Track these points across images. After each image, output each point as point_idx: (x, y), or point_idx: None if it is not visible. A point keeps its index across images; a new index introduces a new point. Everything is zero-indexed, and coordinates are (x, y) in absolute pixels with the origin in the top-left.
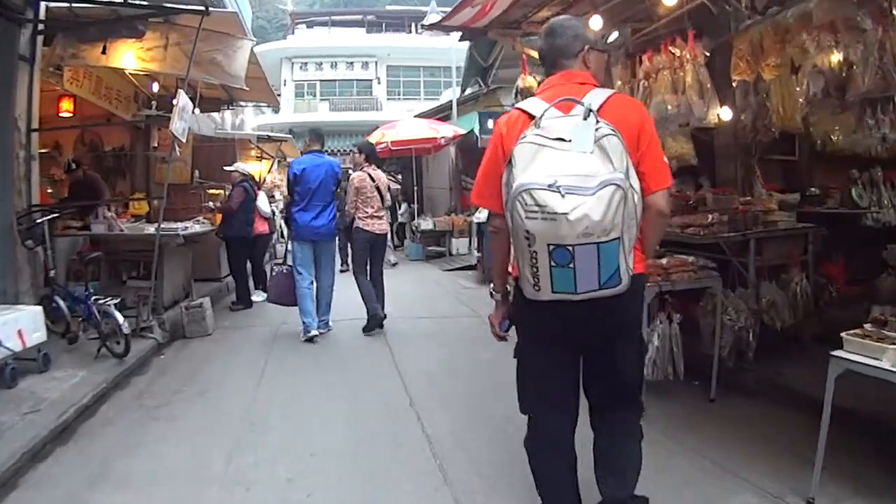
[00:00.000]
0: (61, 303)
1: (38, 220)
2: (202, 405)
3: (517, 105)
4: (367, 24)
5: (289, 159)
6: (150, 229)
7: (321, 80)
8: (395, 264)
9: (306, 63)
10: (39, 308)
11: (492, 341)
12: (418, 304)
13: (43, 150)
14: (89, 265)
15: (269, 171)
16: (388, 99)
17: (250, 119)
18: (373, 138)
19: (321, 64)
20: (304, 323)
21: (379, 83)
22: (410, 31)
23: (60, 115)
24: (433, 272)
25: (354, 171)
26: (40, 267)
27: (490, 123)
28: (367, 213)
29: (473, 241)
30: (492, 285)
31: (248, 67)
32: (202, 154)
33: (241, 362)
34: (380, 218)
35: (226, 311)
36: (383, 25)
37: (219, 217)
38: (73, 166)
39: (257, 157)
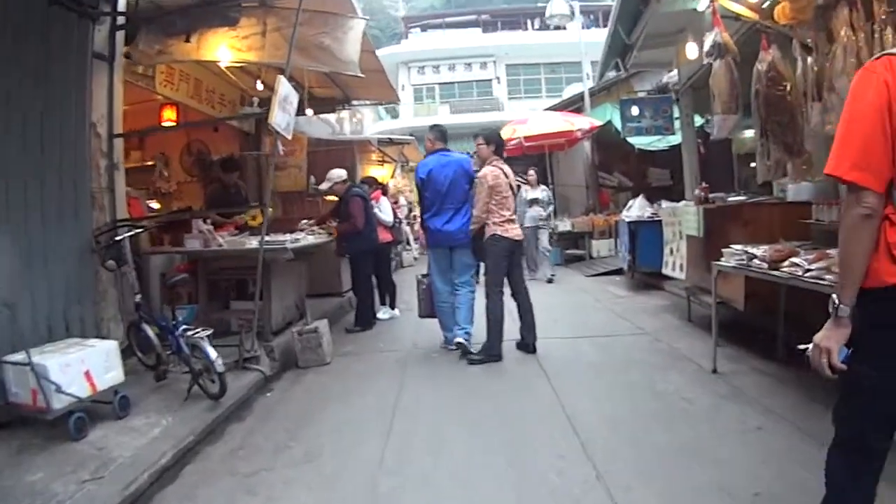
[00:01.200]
0: (149, 331)
1: (119, 238)
2: (313, 474)
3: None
4: (483, 23)
5: (412, 163)
6: (254, 242)
7: (440, 83)
8: (551, 279)
9: (423, 66)
10: (114, 343)
11: (679, 370)
12: (569, 318)
13: (149, 163)
14: (175, 288)
15: (391, 176)
16: (510, 98)
17: (369, 125)
18: (503, 135)
19: (438, 67)
20: (444, 337)
21: (499, 83)
22: (527, 28)
23: (163, 124)
24: (576, 278)
25: (481, 167)
26: (130, 290)
27: (634, 110)
28: (503, 216)
29: (621, 242)
30: (835, 297)
31: (362, 56)
32: (318, 159)
33: (365, 403)
34: (514, 221)
35: (347, 333)
36: (498, 24)
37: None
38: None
39: (379, 161)
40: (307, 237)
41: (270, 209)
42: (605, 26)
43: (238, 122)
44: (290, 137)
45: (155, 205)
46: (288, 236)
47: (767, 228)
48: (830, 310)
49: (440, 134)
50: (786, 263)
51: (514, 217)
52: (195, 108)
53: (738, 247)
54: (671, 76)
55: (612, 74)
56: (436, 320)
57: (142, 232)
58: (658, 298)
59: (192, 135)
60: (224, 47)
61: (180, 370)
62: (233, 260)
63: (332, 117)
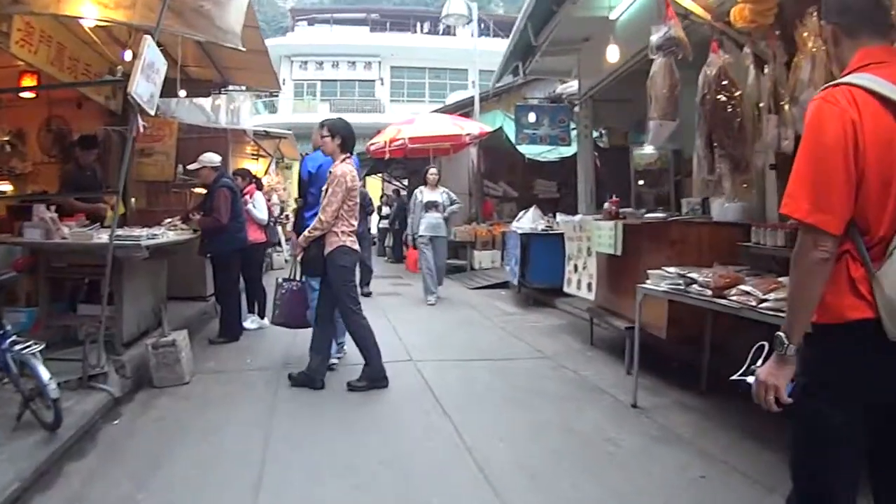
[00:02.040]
0: None
1: None
2: None
3: (857, 83)
4: (371, 22)
5: (287, 159)
6: (105, 236)
7: (322, 80)
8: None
9: (307, 62)
10: None
11: (594, 403)
12: (458, 337)
13: (3, 139)
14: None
15: (265, 172)
16: (392, 101)
17: (245, 117)
18: (387, 134)
19: (322, 63)
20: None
21: (382, 84)
22: (416, 31)
23: (21, 94)
24: (460, 291)
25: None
26: None
27: (532, 117)
28: (352, 225)
29: (509, 254)
30: (782, 336)
31: (245, 32)
32: (189, 147)
33: (228, 441)
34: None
35: (210, 345)
36: (387, 24)
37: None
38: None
39: (254, 155)
40: (167, 233)
41: (134, 199)
42: (496, 36)
43: (104, 100)
44: (152, 112)
45: (5, 187)
46: (145, 231)
47: (695, 249)
48: (777, 348)
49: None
50: (733, 291)
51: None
52: (56, 76)
53: (672, 269)
54: (566, 86)
55: (506, 80)
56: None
57: None
58: (552, 317)
59: (53, 110)
60: (89, 3)
61: (12, 388)
62: (81, 256)
63: (206, 103)
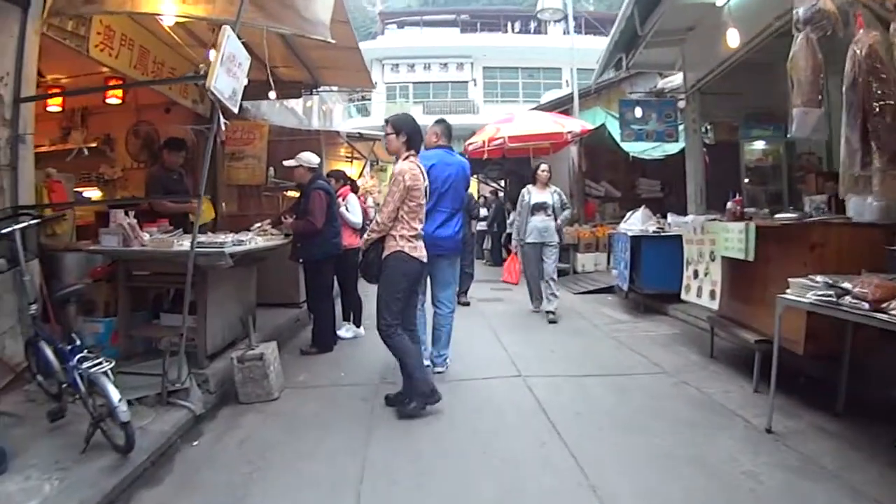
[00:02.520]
0: (48, 352)
1: (5, 231)
2: None
3: None
4: (461, 23)
5: (382, 162)
6: (188, 243)
7: (414, 82)
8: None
9: (398, 64)
10: None
11: (724, 427)
12: (569, 348)
13: (91, 145)
14: (68, 302)
15: (360, 175)
16: (486, 101)
17: (338, 121)
18: (485, 134)
19: (413, 65)
20: None
21: (475, 85)
22: (507, 31)
23: (107, 100)
24: (564, 296)
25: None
26: (24, 297)
27: (637, 112)
28: (414, 229)
29: (617, 258)
30: None
31: (335, 27)
32: (280, 150)
33: (319, 467)
34: (421, 238)
35: (301, 356)
36: (478, 25)
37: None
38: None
39: (347, 157)
40: (255, 239)
41: (224, 204)
42: (588, 33)
43: (191, 103)
44: (235, 110)
45: (93, 193)
46: (230, 237)
47: (836, 254)
48: None
49: (446, 129)
50: (893, 304)
51: (422, 233)
52: (135, 78)
53: (820, 278)
54: (668, 81)
55: (605, 76)
56: None
57: (38, 223)
58: (664, 325)
59: (142, 116)
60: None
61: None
62: (162, 264)
63: (298, 106)
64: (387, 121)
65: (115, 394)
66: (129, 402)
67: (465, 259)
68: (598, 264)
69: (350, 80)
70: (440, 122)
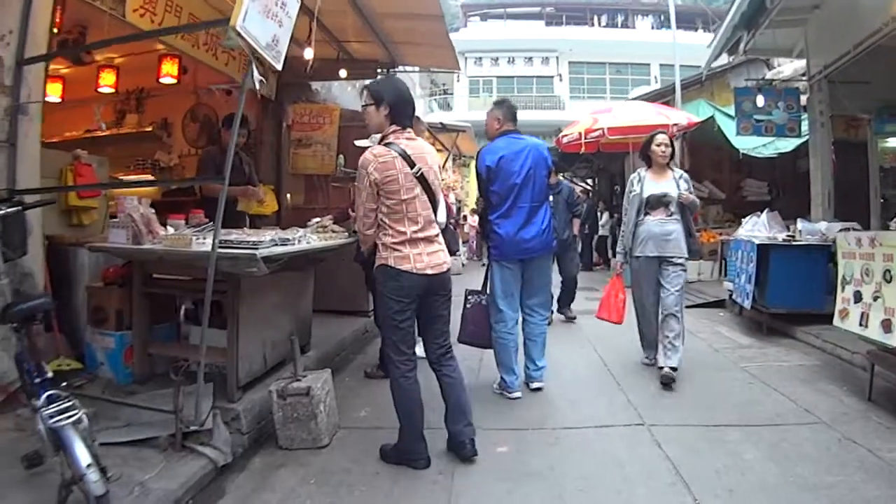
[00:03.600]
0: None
1: None
2: None
3: None
4: (546, 16)
5: (465, 156)
6: (209, 242)
7: (498, 77)
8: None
9: (481, 58)
10: None
11: None
12: (693, 382)
13: (147, 129)
14: (33, 320)
15: (442, 169)
16: (572, 98)
17: (419, 112)
18: (581, 125)
19: (497, 59)
20: (500, 380)
21: (561, 80)
22: (593, 24)
23: (161, 80)
24: None
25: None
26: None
27: (760, 101)
28: (400, 234)
29: (737, 269)
30: None
31: None
32: (352, 137)
33: None
34: (432, 241)
35: (366, 378)
36: (563, 18)
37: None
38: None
39: None
40: (309, 237)
41: (289, 195)
42: (677, 28)
43: (258, 85)
44: (278, 66)
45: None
46: (270, 234)
47: None
48: None
49: (509, 112)
50: None
51: (430, 234)
52: (191, 53)
53: None
54: (777, 71)
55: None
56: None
57: (20, 210)
58: (797, 353)
59: (200, 99)
60: None
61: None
62: (189, 267)
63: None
64: (365, 88)
65: (83, 456)
66: (133, 443)
67: (566, 265)
68: (701, 273)
69: (433, 58)
70: (500, 103)
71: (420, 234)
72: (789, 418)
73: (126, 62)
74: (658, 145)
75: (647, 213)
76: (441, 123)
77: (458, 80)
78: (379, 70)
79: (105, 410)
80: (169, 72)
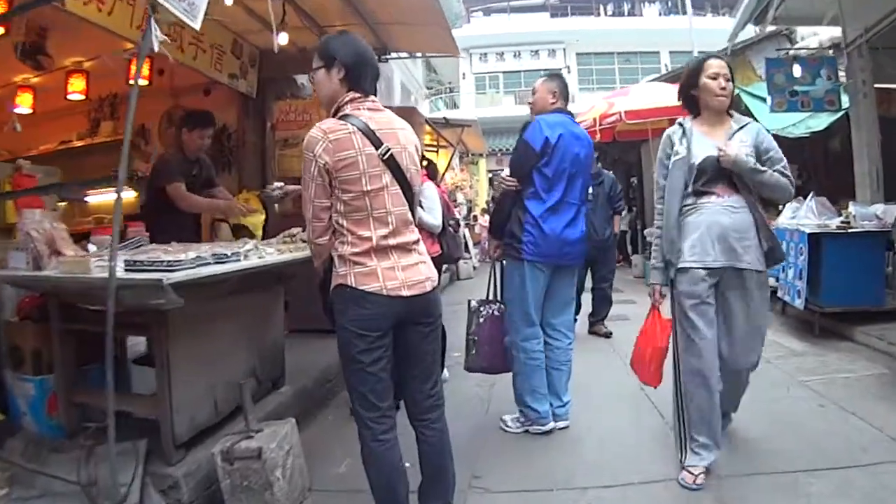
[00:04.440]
0: None
1: None
2: None
3: None
4: (551, 7)
5: (473, 153)
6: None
7: (504, 72)
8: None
9: (486, 53)
10: None
11: None
12: (756, 409)
13: (122, 138)
14: None
15: (448, 166)
16: (581, 89)
17: (424, 111)
18: (595, 110)
19: (503, 53)
20: (526, 411)
21: (569, 72)
22: (599, 14)
23: (132, 82)
24: None
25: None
26: None
27: (797, 71)
28: (363, 242)
29: (787, 264)
30: None
31: None
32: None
33: None
34: (410, 250)
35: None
36: (568, 9)
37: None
38: None
39: (432, 146)
40: (263, 251)
41: (276, 204)
42: (684, 13)
43: (228, 78)
44: (196, 24)
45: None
46: (198, 251)
47: None
48: None
49: (565, 89)
50: None
51: (405, 241)
52: (169, 55)
53: None
54: (802, 46)
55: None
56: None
57: None
58: (862, 360)
59: (178, 101)
60: None
61: None
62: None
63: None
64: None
65: None
66: None
67: (603, 269)
68: None
69: (428, 42)
70: (555, 76)
71: (391, 241)
72: (879, 453)
73: (96, 66)
74: (714, 77)
75: (702, 193)
76: (445, 119)
77: (463, 78)
78: None
79: (22, 475)
80: (146, 74)
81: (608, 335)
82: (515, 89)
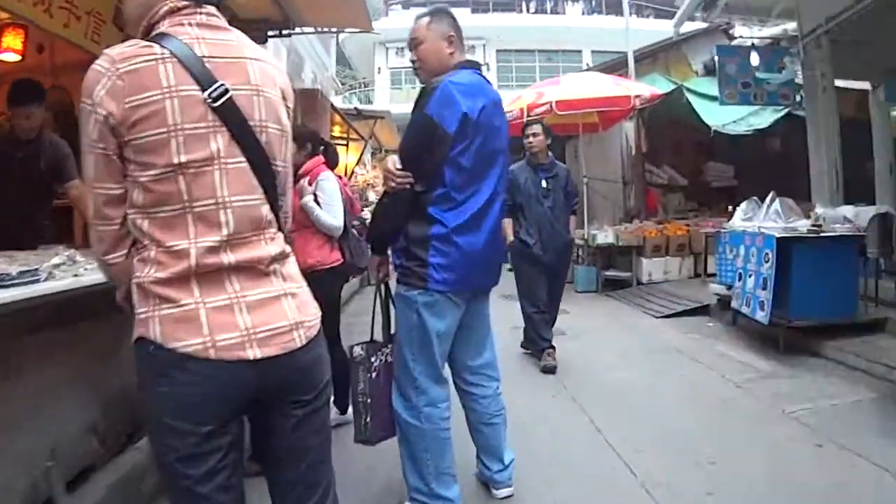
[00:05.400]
0: None
1: None
2: None
3: None
4: (473, 3)
5: (387, 150)
6: None
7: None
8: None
9: (403, 48)
10: None
11: None
12: (732, 451)
13: None
14: None
15: (359, 161)
16: (500, 87)
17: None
18: (523, 101)
19: None
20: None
21: (488, 69)
22: (521, 11)
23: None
24: (642, 321)
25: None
26: None
27: (754, 59)
28: (177, 259)
29: (743, 270)
30: None
31: None
32: None
33: None
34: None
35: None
36: (490, 5)
37: None
38: None
39: (342, 139)
40: (84, 269)
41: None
42: (608, 13)
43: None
44: None
45: None
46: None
47: None
48: None
49: (460, 30)
50: None
51: (255, 256)
52: (41, 22)
53: None
54: (742, 41)
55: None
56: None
57: None
58: (839, 379)
59: (58, 80)
60: None
61: None
62: None
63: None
64: None
65: None
66: None
67: (559, 282)
68: (668, 272)
69: (337, 17)
70: (442, 14)
71: (226, 258)
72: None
73: None
74: None
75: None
76: (356, 109)
77: (378, 72)
78: (270, 32)
79: None
80: (10, 45)
81: (553, 369)
82: None
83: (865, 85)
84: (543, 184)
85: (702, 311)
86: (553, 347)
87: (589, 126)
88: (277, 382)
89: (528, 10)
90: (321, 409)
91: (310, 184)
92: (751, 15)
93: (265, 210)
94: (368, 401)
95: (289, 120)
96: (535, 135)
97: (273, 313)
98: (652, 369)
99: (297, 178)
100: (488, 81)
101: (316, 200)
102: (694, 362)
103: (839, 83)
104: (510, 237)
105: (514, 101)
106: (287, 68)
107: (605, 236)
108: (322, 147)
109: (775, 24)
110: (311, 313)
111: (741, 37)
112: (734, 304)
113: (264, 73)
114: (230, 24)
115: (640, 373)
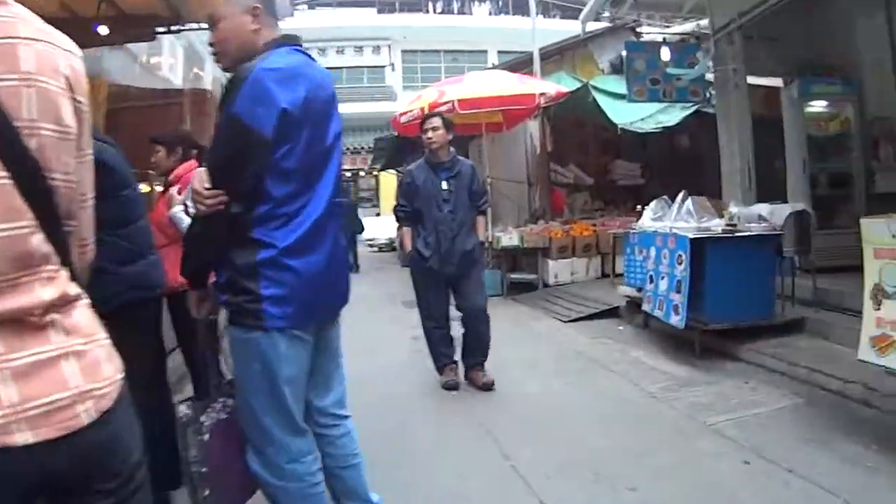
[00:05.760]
0: None
1: None
2: None
3: None
4: (379, 3)
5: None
6: None
7: (326, 68)
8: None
9: (308, 49)
10: None
11: None
12: (659, 477)
13: None
14: None
15: None
16: (405, 88)
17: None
18: (423, 100)
19: (325, 49)
20: None
21: (393, 70)
22: (428, 11)
23: None
24: (549, 326)
25: None
26: None
27: (664, 54)
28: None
29: (655, 273)
30: None
31: None
32: (127, 120)
33: None
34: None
35: None
36: (397, 4)
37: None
38: None
39: None
40: None
41: None
42: (515, 14)
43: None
44: None
45: None
46: None
47: None
48: None
49: (271, 5)
50: None
51: (28, 304)
52: None
53: None
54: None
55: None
56: None
57: None
58: (760, 384)
59: None
60: None
61: None
62: None
63: (161, 62)
64: None
65: None
66: None
67: (472, 291)
68: (575, 273)
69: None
70: None
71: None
72: None
73: None
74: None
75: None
76: None
77: None
78: (159, 28)
79: None
80: None
81: (489, 386)
82: (337, 86)
83: (776, 81)
84: (444, 185)
85: (611, 313)
86: (455, 363)
87: (493, 125)
88: (63, 470)
89: (434, 11)
90: (133, 496)
91: (180, 192)
92: (660, 11)
93: (36, 241)
94: (201, 471)
95: (79, 118)
96: (434, 129)
97: (48, 382)
98: (563, 381)
99: (167, 186)
100: (312, 58)
101: (186, 211)
102: (607, 371)
103: (750, 80)
104: (409, 247)
105: (414, 100)
106: (184, 68)
107: (509, 238)
108: (196, 150)
109: (684, 21)
110: (105, 377)
111: (649, 33)
112: (646, 307)
113: (43, 57)
114: (117, 20)
115: (551, 386)
